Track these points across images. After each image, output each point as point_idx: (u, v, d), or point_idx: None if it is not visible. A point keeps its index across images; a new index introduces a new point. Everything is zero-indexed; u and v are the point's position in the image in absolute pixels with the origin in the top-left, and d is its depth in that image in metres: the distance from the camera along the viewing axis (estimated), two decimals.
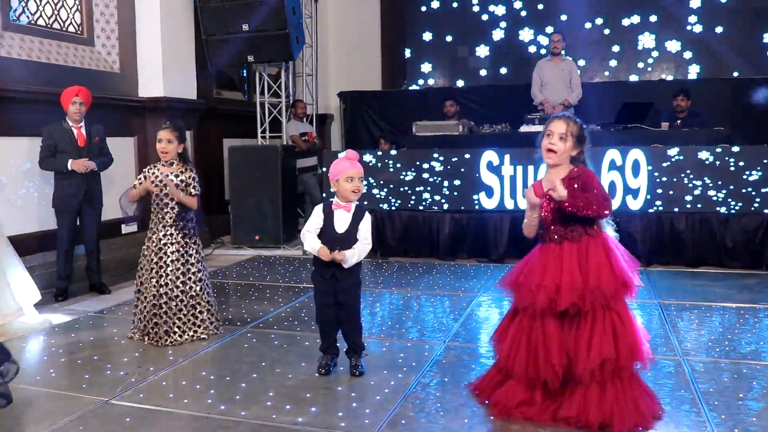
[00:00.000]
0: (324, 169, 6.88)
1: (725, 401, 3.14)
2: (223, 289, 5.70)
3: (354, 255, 3.41)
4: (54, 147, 5.30)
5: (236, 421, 3.01)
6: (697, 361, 3.73)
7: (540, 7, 9.89)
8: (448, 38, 10.42)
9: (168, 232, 4.16)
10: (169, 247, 4.14)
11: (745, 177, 6.06)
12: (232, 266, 6.69)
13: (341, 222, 3.45)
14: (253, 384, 3.46)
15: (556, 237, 2.95)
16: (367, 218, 3.50)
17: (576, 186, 2.88)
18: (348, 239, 3.45)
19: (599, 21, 9.69)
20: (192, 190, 4.19)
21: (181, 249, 4.16)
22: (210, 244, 7.64)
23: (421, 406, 3.16)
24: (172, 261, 4.13)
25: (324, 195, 7.05)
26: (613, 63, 9.77)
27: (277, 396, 3.29)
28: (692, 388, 3.31)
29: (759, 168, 6.04)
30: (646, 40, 9.62)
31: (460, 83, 10.30)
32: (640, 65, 9.68)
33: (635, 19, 9.61)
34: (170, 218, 4.17)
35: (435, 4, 10.38)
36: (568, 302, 2.80)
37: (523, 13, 10.00)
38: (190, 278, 4.18)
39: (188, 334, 4.17)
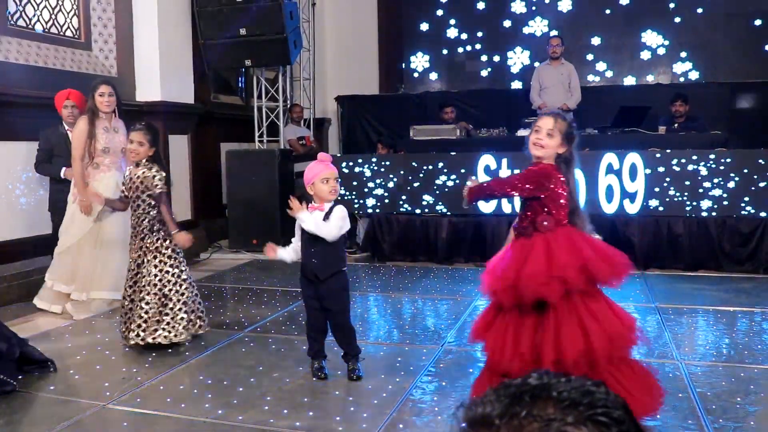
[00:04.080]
0: None
1: (723, 405, 3.14)
2: (221, 293, 5.69)
3: (310, 220, 3.39)
4: (50, 151, 5.24)
5: (234, 426, 3.00)
6: (695, 364, 3.73)
7: (540, 10, 9.94)
8: (447, 42, 10.43)
9: (145, 238, 4.15)
10: (147, 254, 4.13)
11: (742, 180, 6.07)
12: (229, 270, 6.68)
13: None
14: (250, 388, 3.45)
15: (515, 234, 3.02)
16: (337, 210, 3.45)
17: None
18: (320, 238, 3.42)
19: (600, 28, 9.74)
20: (155, 189, 4.11)
21: (153, 252, 4.14)
22: (207, 248, 7.63)
23: (418, 410, 3.16)
24: (148, 261, 4.13)
25: None
26: (611, 66, 9.79)
27: (274, 400, 3.28)
28: (690, 391, 3.31)
29: (756, 171, 6.05)
30: (645, 44, 9.66)
31: (457, 87, 10.30)
32: (638, 69, 9.70)
33: (634, 21, 9.64)
34: (144, 223, 4.16)
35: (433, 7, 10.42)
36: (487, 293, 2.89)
37: (523, 12, 10.02)
38: (164, 277, 4.14)
39: (168, 338, 4.09)
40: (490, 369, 3.00)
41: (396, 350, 4.08)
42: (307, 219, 3.41)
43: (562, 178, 2.90)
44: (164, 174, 4.17)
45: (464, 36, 10.33)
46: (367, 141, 9.73)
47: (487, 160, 6.61)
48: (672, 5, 9.46)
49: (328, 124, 10.67)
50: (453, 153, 6.82)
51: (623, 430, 0.66)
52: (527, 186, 2.89)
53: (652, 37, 9.60)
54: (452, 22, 10.35)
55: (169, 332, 4.09)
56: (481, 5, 10.19)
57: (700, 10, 9.37)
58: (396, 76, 10.57)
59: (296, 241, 3.57)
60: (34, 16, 6.07)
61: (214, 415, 3.12)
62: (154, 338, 4.06)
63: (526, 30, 10.00)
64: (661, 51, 9.60)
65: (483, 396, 0.70)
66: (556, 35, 8.30)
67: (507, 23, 10.11)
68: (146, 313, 4.09)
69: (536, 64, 8.94)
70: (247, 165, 7.59)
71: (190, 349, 4.11)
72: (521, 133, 7.53)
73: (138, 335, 4.07)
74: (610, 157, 6.28)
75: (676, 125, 7.60)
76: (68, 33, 6.47)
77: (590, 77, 9.65)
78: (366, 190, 6.96)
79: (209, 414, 3.13)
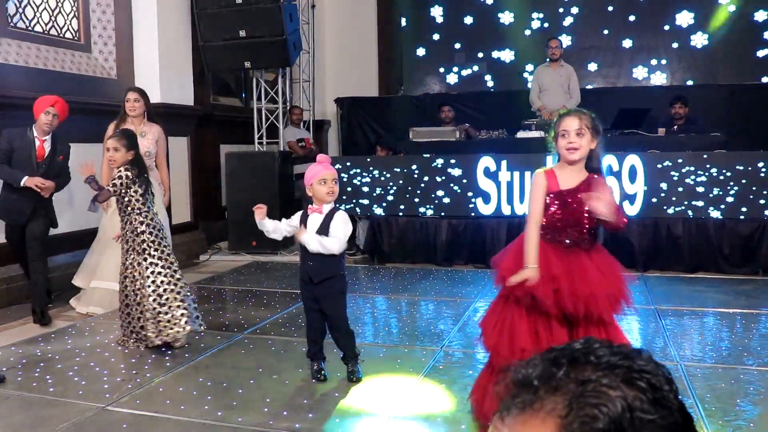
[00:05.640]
0: None
1: (722, 407, 3.14)
2: (220, 295, 5.69)
3: (313, 240, 3.38)
4: (9, 152, 4.76)
5: (233, 428, 3.00)
6: (694, 366, 3.73)
7: (541, 15, 9.97)
8: (446, 44, 10.44)
9: (126, 237, 4.21)
10: (128, 252, 4.18)
11: (740, 182, 6.07)
12: (228, 272, 6.67)
13: (313, 225, 3.45)
14: (250, 390, 3.45)
15: (567, 242, 2.83)
16: (339, 217, 3.45)
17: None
18: None
19: (605, 31, 9.78)
20: (109, 186, 4.13)
21: (132, 252, 4.15)
22: (207, 249, 7.63)
23: (418, 412, 3.16)
24: (129, 264, 4.15)
25: None
26: (610, 68, 9.82)
27: (274, 402, 3.28)
28: (689, 393, 3.31)
29: (754, 173, 6.05)
30: (645, 47, 9.68)
31: (457, 89, 10.31)
32: (638, 71, 9.72)
33: (634, 23, 9.67)
34: (124, 225, 4.22)
35: (433, 12, 10.43)
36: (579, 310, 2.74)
37: (522, 6, 10.04)
38: (157, 279, 4.12)
39: (150, 338, 4.08)
40: (492, 365, 2.94)
41: (396, 352, 4.08)
42: (311, 241, 3.39)
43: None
44: (131, 173, 4.14)
45: (464, 66, 10.41)
46: (367, 143, 9.72)
47: (486, 162, 6.62)
48: (667, 27, 9.52)
49: (327, 126, 10.67)
50: (453, 169, 6.81)
51: (660, 397, 0.67)
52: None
53: (652, 67, 9.69)
54: (457, 46, 10.42)
55: (171, 330, 4.09)
56: (481, 38, 10.26)
57: (700, 41, 9.47)
58: (395, 78, 10.58)
59: (288, 225, 3.54)
60: (33, 17, 6.08)
61: (213, 416, 3.12)
62: (161, 339, 4.08)
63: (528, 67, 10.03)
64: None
65: (529, 360, 0.73)
66: (554, 38, 8.31)
67: (504, 56, 10.20)
68: (145, 317, 4.08)
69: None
70: (247, 167, 7.59)
71: (189, 350, 4.11)
72: (520, 135, 7.54)
73: (140, 338, 4.10)
74: (609, 159, 6.28)
75: (675, 127, 7.61)
76: (68, 35, 6.47)
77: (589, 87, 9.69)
78: (366, 192, 6.96)
79: (209, 415, 3.13)
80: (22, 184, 4.70)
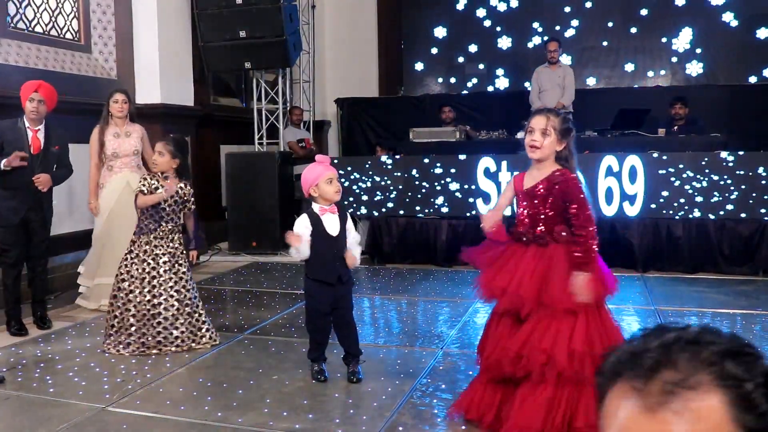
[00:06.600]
0: None
1: None
2: (220, 296, 5.69)
3: (359, 255, 3.60)
4: (0, 146, 4.48)
5: (233, 428, 3.00)
6: None
7: (540, 28, 10.00)
8: (446, 44, 10.45)
9: (162, 242, 4.12)
10: (161, 257, 4.11)
11: (740, 183, 6.07)
12: (229, 273, 6.67)
13: (332, 225, 3.48)
14: (249, 391, 3.45)
15: (524, 239, 2.94)
16: (349, 217, 3.62)
17: (555, 189, 2.85)
18: (342, 240, 3.51)
19: (603, 34, 9.80)
20: (191, 206, 4.26)
21: (172, 259, 4.13)
22: (207, 250, 7.63)
23: (418, 413, 3.16)
24: (165, 271, 4.10)
25: None
26: (610, 69, 9.83)
27: (274, 402, 3.28)
28: None
29: (755, 174, 6.05)
30: (645, 46, 9.68)
31: (457, 90, 10.31)
32: (638, 71, 9.72)
33: (634, 24, 9.67)
34: (166, 229, 4.15)
35: (433, 12, 10.45)
36: (507, 305, 2.84)
37: (523, 20, 10.05)
38: (184, 286, 4.14)
39: (187, 343, 4.12)
40: (481, 371, 3.00)
41: (396, 352, 4.08)
42: (359, 256, 3.57)
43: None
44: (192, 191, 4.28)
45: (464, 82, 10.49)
46: (367, 143, 9.73)
47: (486, 162, 6.61)
48: (663, 39, 9.55)
49: (327, 127, 10.68)
50: (453, 183, 6.80)
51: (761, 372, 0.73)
52: (590, 212, 2.84)
53: (650, 79, 9.73)
54: (460, 60, 10.47)
55: (173, 343, 4.14)
56: (480, 55, 10.34)
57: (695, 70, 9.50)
58: (395, 79, 10.60)
59: (306, 241, 3.46)
60: (34, 18, 6.08)
61: (213, 417, 3.12)
62: (216, 339, 4.23)
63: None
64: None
65: (639, 350, 0.76)
66: (553, 39, 8.31)
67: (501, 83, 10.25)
68: (202, 315, 4.21)
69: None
70: (247, 167, 7.59)
71: (189, 351, 4.11)
72: (520, 135, 7.53)
73: (211, 338, 4.20)
74: (609, 160, 6.29)
75: (675, 128, 7.61)
76: (68, 35, 6.47)
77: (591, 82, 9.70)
78: (365, 198, 6.96)
79: (209, 416, 3.13)
80: (2, 166, 4.35)
